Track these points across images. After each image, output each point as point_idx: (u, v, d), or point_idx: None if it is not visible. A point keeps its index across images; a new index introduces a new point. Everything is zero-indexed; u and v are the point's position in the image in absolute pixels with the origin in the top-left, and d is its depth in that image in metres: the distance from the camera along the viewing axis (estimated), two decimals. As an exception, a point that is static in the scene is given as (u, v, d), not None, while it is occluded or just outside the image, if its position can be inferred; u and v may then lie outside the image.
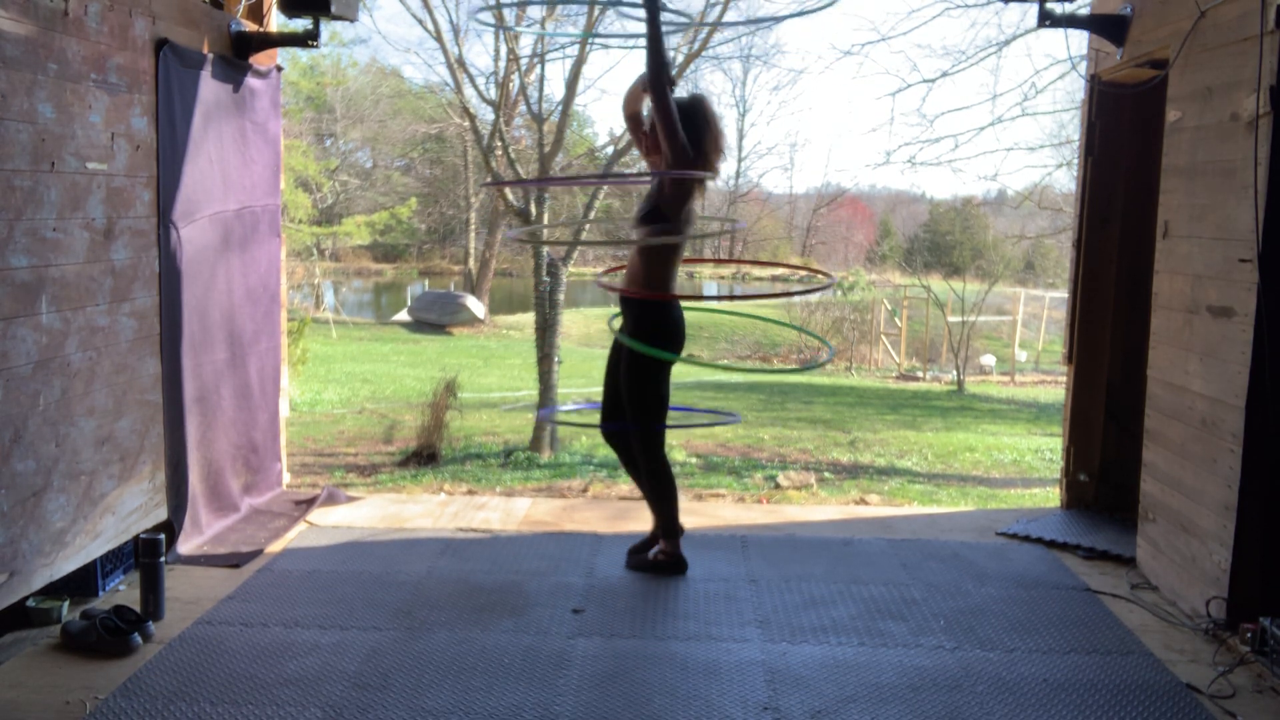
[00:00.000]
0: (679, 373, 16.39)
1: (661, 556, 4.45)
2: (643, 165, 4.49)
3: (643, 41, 4.07)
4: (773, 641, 3.77)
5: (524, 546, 4.84)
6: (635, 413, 4.29)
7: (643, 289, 4.19)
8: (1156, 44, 4.47)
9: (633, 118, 4.36)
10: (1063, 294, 21.71)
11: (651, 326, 4.21)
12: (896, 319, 21.54)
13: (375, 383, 14.31)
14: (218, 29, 4.87)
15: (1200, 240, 4.04)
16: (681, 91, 4.32)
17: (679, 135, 4.04)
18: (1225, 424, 3.79)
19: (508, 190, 10.48)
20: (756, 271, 38.95)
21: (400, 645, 3.68)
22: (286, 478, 5.78)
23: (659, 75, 4.00)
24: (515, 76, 11.68)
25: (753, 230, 42.54)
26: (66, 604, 3.82)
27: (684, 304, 4.36)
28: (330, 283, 31.51)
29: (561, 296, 9.58)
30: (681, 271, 4.53)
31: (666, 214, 4.14)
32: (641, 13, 4.06)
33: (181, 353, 4.53)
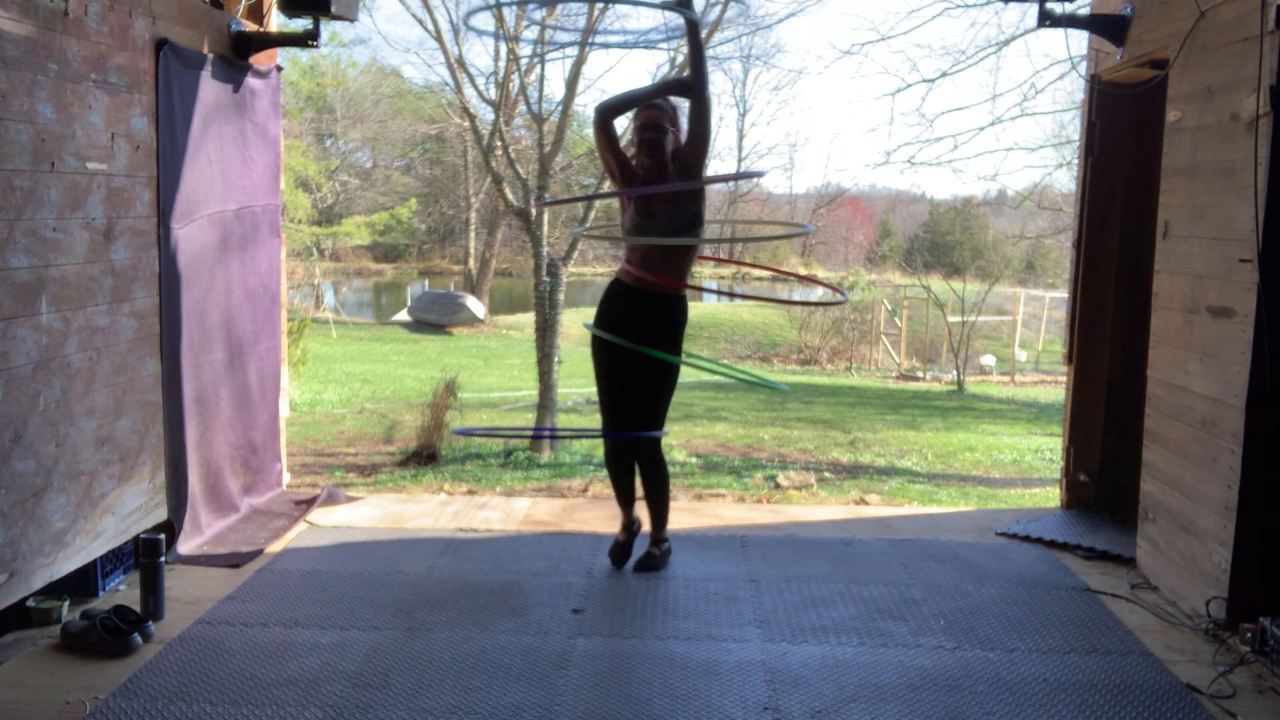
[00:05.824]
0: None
1: (667, 548, 4.62)
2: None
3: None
4: (773, 641, 3.77)
5: (524, 546, 4.84)
6: (654, 419, 4.38)
7: (676, 292, 4.36)
8: (1156, 44, 4.47)
9: (608, 129, 4.39)
10: (1063, 294, 21.70)
11: (678, 333, 4.37)
12: (896, 319, 21.52)
13: (375, 383, 14.29)
14: (218, 29, 4.87)
15: (1200, 240, 4.04)
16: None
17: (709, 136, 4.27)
18: (1225, 424, 3.79)
19: (506, 190, 10.47)
20: (756, 272, 38.96)
21: (400, 645, 3.68)
22: (286, 478, 5.78)
23: (703, 78, 4.20)
24: (515, 76, 11.67)
25: (751, 230, 42.40)
26: (66, 604, 3.82)
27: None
28: (330, 283, 31.49)
29: (561, 296, 9.57)
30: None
31: (702, 217, 4.34)
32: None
33: (181, 353, 4.53)
